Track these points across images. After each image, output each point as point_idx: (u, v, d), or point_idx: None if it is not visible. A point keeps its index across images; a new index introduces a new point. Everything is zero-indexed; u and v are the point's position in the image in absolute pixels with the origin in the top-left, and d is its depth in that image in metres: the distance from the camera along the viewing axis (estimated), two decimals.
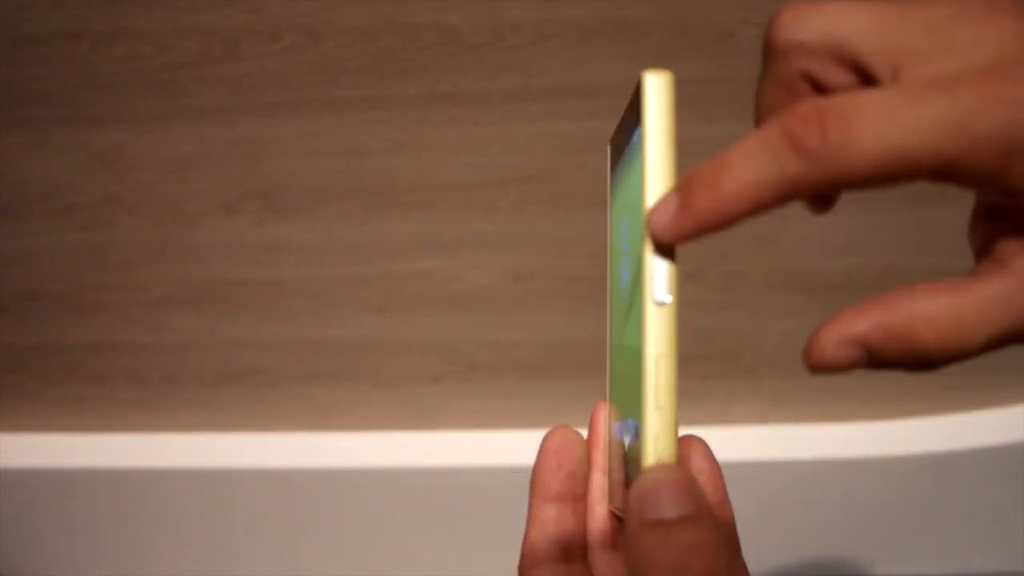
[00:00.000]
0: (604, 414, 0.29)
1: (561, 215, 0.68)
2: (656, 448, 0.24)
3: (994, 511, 0.82)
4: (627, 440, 0.26)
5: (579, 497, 0.28)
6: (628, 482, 0.25)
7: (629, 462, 0.26)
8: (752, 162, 0.22)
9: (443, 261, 0.71)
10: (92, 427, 0.81)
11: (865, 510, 0.81)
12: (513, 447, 0.78)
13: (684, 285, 0.73)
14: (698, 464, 0.27)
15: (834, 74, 0.23)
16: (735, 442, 0.77)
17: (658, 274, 0.24)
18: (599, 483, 0.28)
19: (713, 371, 0.76)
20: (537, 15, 0.59)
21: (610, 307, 0.30)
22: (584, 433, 0.29)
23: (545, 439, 0.28)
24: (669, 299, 0.25)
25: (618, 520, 0.28)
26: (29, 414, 0.80)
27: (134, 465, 0.79)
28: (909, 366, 0.23)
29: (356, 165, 0.66)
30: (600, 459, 0.28)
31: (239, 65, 0.60)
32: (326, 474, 0.79)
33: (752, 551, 0.95)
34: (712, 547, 0.22)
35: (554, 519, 0.27)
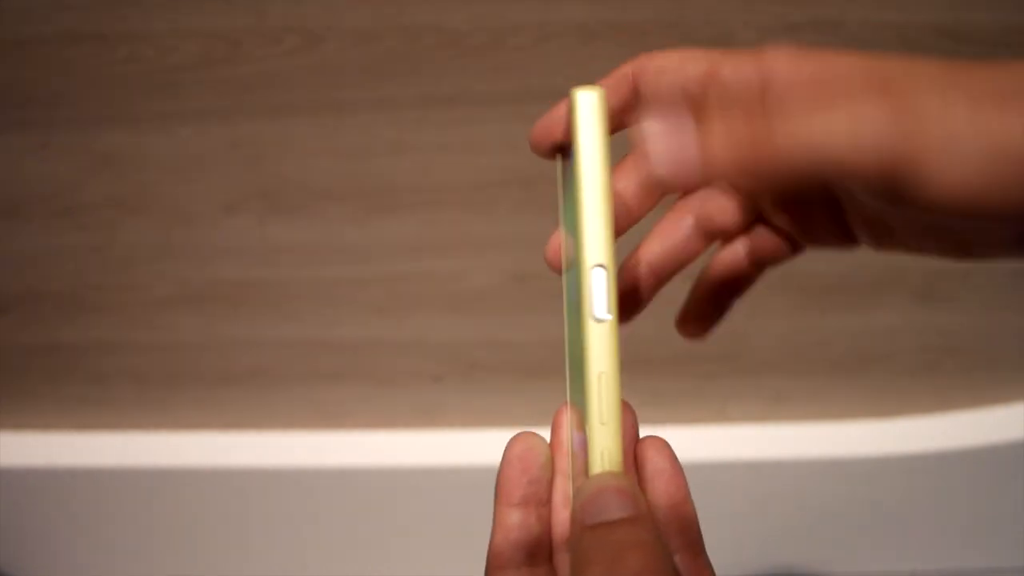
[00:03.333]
0: (565, 419, 0.29)
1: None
2: (602, 462, 0.25)
3: (993, 509, 0.82)
4: (580, 450, 0.26)
5: (543, 502, 0.28)
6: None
7: (582, 473, 0.26)
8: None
9: (444, 261, 0.71)
10: (94, 426, 0.81)
11: (864, 509, 0.82)
12: None
13: (682, 286, 0.74)
14: (659, 464, 0.27)
15: None
16: (733, 441, 0.77)
17: (597, 292, 0.25)
18: (562, 488, 0.28)
19: (711, 371, 0.76)
20: (538, 16, 0.59)
21: (566, 313, 0.30)
22: (548, 436, 0.30)
23: (508, 447, 0.28)
24: (608, 317, 0.25)
25: None
26: (31, 413, 0.81)
27: (135, 464, 0.79)
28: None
29: (357, 166, 0.66)
30: (563, 464, 0.29)
31: (241, 67, 0.60)
32: (327, 473, 0.79)
33: (750, 549, 0.95)
34: (649, 547, 0.23)
35: (518, 524, 0.27)
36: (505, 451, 0.28)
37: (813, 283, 0.71)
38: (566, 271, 0.29)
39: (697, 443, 0.75)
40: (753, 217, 0.30)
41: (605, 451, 0.25)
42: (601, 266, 0.25)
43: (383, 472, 0.79)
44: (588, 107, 0.25)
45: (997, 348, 0.76)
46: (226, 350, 0.76)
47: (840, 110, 0.22)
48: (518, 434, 0.28)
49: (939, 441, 0.77)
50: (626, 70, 0.28)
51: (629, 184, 0.29)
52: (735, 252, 0.31)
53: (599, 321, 0.25)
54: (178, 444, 0.80)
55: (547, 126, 0.28)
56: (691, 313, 0.31)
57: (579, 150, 0.25)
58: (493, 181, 0.66)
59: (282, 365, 0.77)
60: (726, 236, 0.31)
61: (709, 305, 0.31)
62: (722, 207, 0.30)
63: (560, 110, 0.28)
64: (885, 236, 0.28)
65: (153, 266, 0.71)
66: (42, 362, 0.77)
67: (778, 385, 0.77)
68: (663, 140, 0.24)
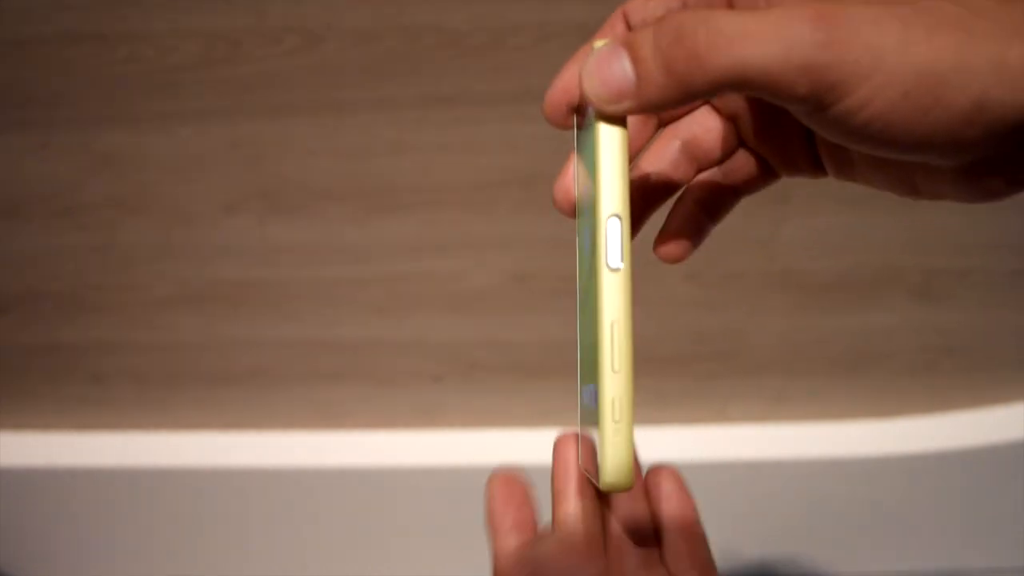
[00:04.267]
0: (570, 445, 0.30)
1: (561, 215, 0.68)
2: (613, 411, 0.25)
3: (993, 509, 0.82)
4: (591, 404, 0.27)
5: (535, 525, 0.29)
6: (594, 446, 0.26)
7: (594, 424, 0.26)
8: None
9: (444, 261, 0.71)
10: (94, 426, 0.81)
11: (864, 509, 0.82)
12: (514, 446, 0.78)
13: (682, 285, 0.74)
14: (668, 489, 0.29)
15: None
16: (734, 441, 0.77)
17: (612, 241, 0.25)
18: (575, 508, 0.29)
19: (711, 371, 0.76)
20: (538, 16, 0.59)
21: (578, 271, 0.30)
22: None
23: (487, 485, 0.29)
24: (622, 266, 0.25)
25: (588, 482, 0.29)
26: (31, 413, 0.81)
27: (135, 464, 0.79)
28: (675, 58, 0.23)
29: (357, 166, 0.66)
30: (565, 485, 0.29)
31: (241, 67, 0.60)
32: (327, 473, 0.79)
33: (751, 549, 0.95)
34: None
35: (518, 547, 0.28)
36: (487, 490, 0.29)
37: (812, 281, 0.71)
38: (580, 227, 0.29)
39: (697, 443, 0.76)
40: (736, 143, 0.31)
41: (616, 399, 0.25)
42: (617, 216, 0.25)
43: (383, 472, 0.79)
44: None
45: (996, 347, 0.76)
46: (226, 350, 0.76)
47: (774, 26, 0.23)
48: (494, 471, 0.30)
49: (939, 441, 0.77)
50: (617, 13, 0.30)
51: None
52: (713, 174, 0.31)
53: (613, 270, 0.25)
54: (178, 444, 0.80)
55: (564, 87, 0.29)
56: (669, 233, 0.31)
57: (598, 115, 0.25)
58: (493, 181, 0.66)
59: (282, 365, 0.77)
60: (711, 161, 0.31)
61: (687, 226, 0.31)
62: (707, 129, 0.31)
63: (572, 71, 0.28)
64: (846, 166, 0.29)
65: (153, 266, 0.71)
66: (42, 362, 0.77)
67: (778, 385, 0.77)
68: (596, 65, 0.24)
